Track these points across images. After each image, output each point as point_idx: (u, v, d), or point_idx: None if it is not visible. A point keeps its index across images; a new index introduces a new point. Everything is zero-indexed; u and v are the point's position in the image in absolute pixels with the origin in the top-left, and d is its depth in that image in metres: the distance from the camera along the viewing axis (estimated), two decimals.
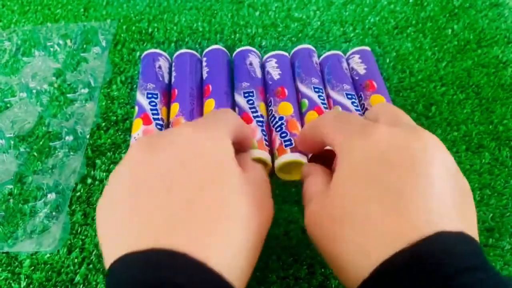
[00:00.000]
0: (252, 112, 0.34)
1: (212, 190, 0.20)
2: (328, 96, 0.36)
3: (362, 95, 0.36)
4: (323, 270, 0.28)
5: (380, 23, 0.46)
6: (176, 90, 0.36)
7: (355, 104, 0.34)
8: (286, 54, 0.39)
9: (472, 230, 0.18)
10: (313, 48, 0.40)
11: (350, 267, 0.19)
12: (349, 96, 0.35)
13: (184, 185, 0.19)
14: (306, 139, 0.27)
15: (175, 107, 0.35)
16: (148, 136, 0.22)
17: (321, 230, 0.21)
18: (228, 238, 0.19)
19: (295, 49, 0.40)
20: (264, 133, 0.33)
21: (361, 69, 0.38)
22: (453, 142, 0.35)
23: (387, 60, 0.42)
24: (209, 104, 0.35)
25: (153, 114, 0.34)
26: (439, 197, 0.18)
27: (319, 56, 0.40)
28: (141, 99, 0.36)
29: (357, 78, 0.37)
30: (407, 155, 0.19)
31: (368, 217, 0.19)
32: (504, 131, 0.36)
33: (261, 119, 0.34)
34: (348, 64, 0.39)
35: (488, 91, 0.38)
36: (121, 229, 0.19)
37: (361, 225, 0.19)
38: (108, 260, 0.19)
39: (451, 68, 0.41)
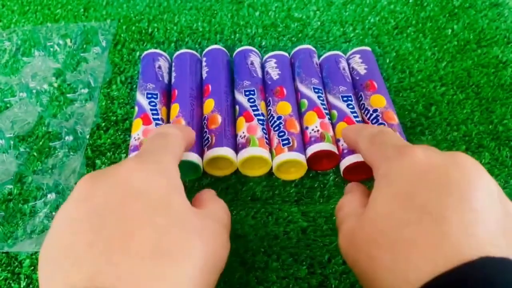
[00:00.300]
0: (253, 111, 0.34)
1: (151, 229, 0.19)
2: (326, 99, 0.36)
3: (362, 95, 0.36)
4: (323, 270, 0.28)
5: (380, 23, 0.46)
6: (176, 91, 0.36)
7: (351, 107, 0.34)
8: (286, 54, 0.39)
9: None
10: (314, 49, 0.40)
11: None
12: (345, 99, 0.35)
13: (120, 224, 0.18)
14: (346, 141, 0.30)
15: (175, 108, 0.35)
16: (91, 173, 0.21)
17: (357, 252, 0.21)
18: (170, 282, 0.18)
19: (296, 49, 0.40)
20: (265, 132, 0.33)
21: (361, 69, 0.38)
22: (453, 142, 0.35)
23: (387, 60, 0.42)
24: (209, 103, 0.35)
25: (153, 114, 0.34)
26: (483, 222, 0.18)
27: (318, 57, 0.40)
28: (141, 99, 0.36)
29: (357, 78, 0.37)
30: (446, 177, 0.19)
31: (407, 240, 0.18)
32: (504, 131, 0.36)
33: (262, 117, 0.34)
34: (349, 64, 0.39)
35: (488, 91, 0.38)
36: (56, 269, 0.18)
37: (400, 248, 0.18)
38: None
39: (451, 68, 0.41)
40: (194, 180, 0.33)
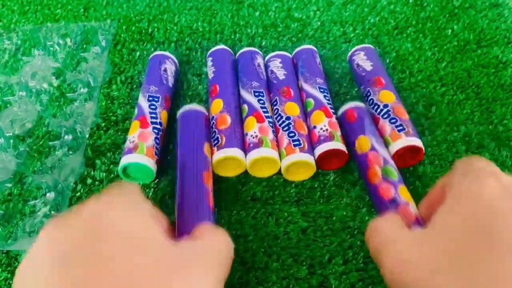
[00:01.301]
0: (264, 112, 0.34)
1: (126, 267, 0.18)
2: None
3: (370, 91, 0.36)
4: (323, 270, 0.28)
5: (380, 23, 0.46)
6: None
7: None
8: (289, 54, 0.39)
9: None
10: (315, 49, 0.40)
11: None
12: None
13: (91, 265, 0.17)
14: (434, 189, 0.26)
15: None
16: (59, 216, 0.20)
17: (415, 276, 0.19)
18: None
19: (298, 49, 0.40)
20: (274, 135, 0.33)
21: (367, 65, 0.38)
22: (453, 142, 0.35)
23: (387, 61, 0.42)
24: (217, 104, 0.35)
25: (151, 117, 0.34)
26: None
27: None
28: (142, 101, 0.35)
29: (363, 74, 0.37)
30: (498, 233, 0.18)
31: (472, 268, 0.18)
32: (504, 131, 0.36)
33: (271, 120, 0.34)
34: (353, 60, 0.39)
35: (488, 91, 0.38)
36: None
37: (466, 276, 0.18)
38: None
39: (451, 68, 0.41)
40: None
